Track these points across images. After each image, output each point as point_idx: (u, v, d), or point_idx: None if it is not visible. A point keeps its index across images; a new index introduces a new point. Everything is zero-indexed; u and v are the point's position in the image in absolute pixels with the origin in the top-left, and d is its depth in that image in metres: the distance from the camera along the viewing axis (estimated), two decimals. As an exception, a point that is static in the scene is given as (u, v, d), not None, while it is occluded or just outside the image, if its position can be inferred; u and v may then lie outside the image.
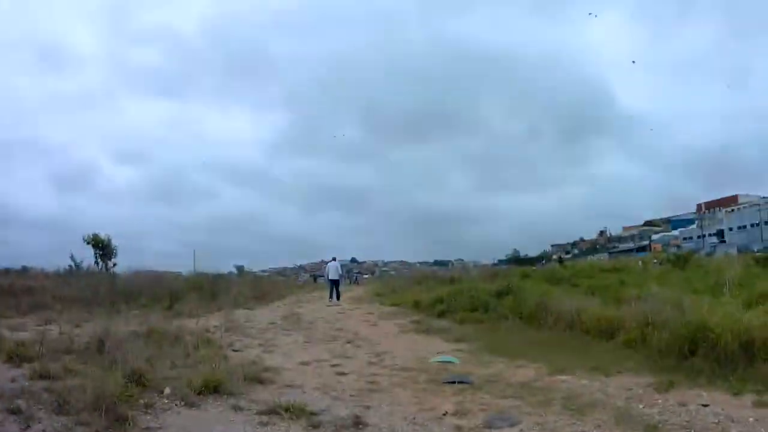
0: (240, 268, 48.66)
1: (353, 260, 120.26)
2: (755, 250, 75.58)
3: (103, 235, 29.71)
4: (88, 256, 28.63)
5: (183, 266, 42.10)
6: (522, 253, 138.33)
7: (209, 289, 24.55)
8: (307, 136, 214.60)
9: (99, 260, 29.28)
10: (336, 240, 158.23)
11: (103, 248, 29.35)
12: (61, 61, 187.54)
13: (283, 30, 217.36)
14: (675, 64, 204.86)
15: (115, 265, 29.37)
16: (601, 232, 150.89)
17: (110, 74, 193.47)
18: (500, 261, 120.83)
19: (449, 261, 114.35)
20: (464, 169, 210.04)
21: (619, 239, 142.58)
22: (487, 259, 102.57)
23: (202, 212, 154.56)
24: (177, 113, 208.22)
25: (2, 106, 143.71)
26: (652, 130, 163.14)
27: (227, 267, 44.21)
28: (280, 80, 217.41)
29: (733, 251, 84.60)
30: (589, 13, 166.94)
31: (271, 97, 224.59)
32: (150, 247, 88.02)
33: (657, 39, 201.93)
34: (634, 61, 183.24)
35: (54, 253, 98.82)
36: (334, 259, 27.87)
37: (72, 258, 28.35)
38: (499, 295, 18.53)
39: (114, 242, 29.66)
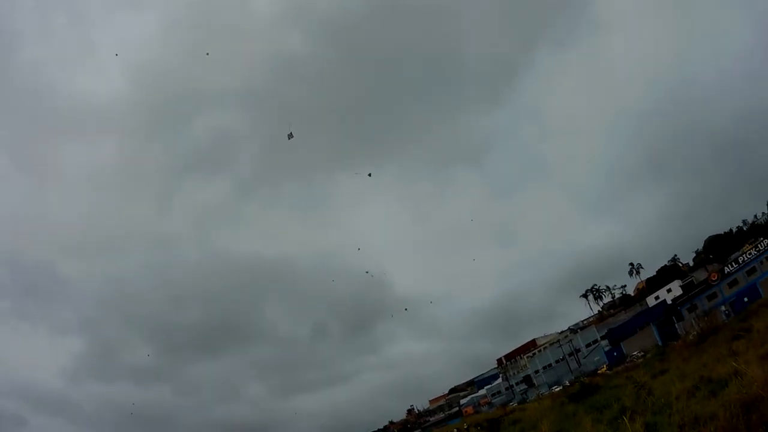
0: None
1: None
2: (567, 383, 73.94)
3: None
4: None
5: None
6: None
7: None
8: (103, 360, 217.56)
9: None
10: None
11: None
12: None
13: (69, 252, 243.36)
14: (442, 237, 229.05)
15: None
16: (409, 410, 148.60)
17: None
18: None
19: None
20: (261, 377, 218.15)
21: (429, 412, 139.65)
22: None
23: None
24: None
25: None
26: (431, 302, 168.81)
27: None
28: (71, 303, 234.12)
29: (544, 391, 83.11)
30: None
31: (65, 320, 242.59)
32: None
33: (420, 219, 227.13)
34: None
35: None
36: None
37: None
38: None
39: None
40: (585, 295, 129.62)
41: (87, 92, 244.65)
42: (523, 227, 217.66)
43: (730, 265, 71.50)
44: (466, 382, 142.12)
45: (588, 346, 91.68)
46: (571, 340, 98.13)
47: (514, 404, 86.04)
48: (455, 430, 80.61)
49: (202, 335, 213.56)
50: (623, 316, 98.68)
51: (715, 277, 71.69)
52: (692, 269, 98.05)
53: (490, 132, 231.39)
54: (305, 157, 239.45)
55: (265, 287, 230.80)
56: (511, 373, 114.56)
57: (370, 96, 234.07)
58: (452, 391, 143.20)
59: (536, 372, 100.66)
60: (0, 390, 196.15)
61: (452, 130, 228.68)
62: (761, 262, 66.79)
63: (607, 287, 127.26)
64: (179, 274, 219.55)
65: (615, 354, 79.62)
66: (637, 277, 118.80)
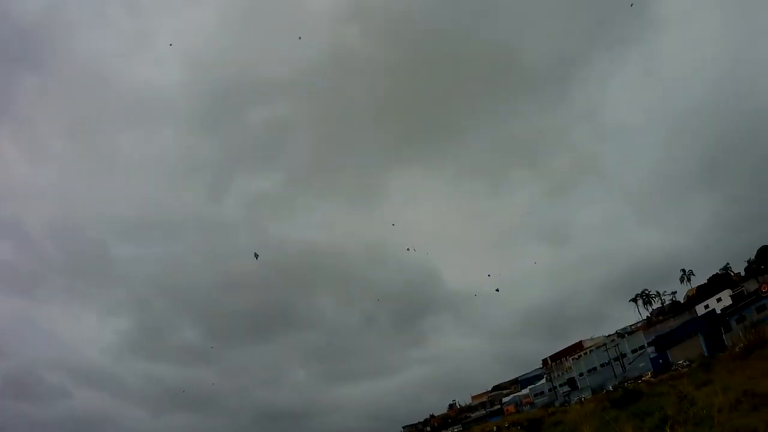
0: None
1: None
2: (611, 387, 74.71)
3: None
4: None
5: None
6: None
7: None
8: (151, 340, 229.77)
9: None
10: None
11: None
12: None
13: (123, 234, 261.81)
14: (493, 235, 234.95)
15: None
16: (451, 405, 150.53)
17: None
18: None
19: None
20: (306, 364, 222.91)
21: (470, 408, 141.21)
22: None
23: (59, 411, 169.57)
24: (28, 311, 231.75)
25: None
26: (476, 296, 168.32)
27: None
28: (122, 283, 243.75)
29: (588, 395, 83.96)
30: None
31: (114, 300, 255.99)
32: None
33: (472, 217, 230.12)
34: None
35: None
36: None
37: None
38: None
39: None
40: (635, 300, 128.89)
41: (145, 82, 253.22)
42: (575, 228, 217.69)
43: (782, 277, 70.86)
44: (510, 381, 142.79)
45: (634, 351, 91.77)
46: (617, 345, 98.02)
47: (556, 405, 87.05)
48: (495, 427, 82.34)
49: (250, 320, 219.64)
50: (672, 323, 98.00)
51: (765, 288, 71.25)
52: (743, 279, 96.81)
53: (545, 131, 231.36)
54: (361, 151, 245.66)
55: (316, 276, 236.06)
56: (556, 375, 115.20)
57: (427, 92, 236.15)
58: (495, 388, 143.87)
59: (581, 375, 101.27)
60: (49, 364, 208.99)
61: (507, 129, 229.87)
62: (815, 277, 66.19)
63: (658, 293, 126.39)
64: (230, 260, 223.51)
65: (660, 361, 79.75)
66: (688, 283, 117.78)
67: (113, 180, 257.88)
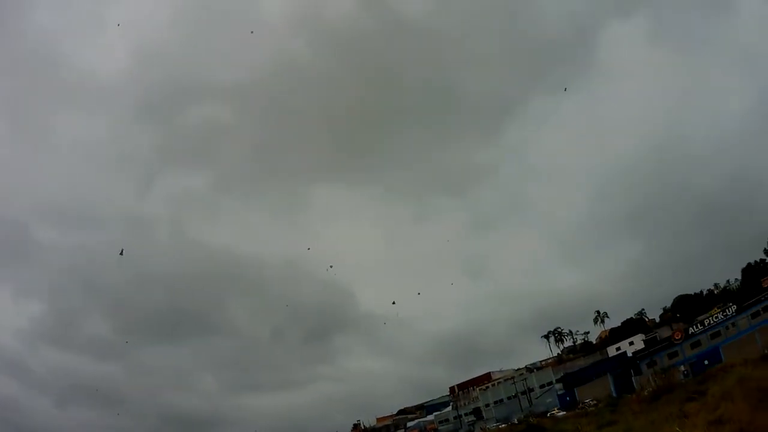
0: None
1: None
2: (516, 420, 72.90)
3: None
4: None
5: None
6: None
7: None
8: (60, 329, 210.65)
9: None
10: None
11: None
12: None
13: (45, 217, 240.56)
14: (413, 262, 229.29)
15: None
16: (355, 425, 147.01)
17: None
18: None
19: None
20: (214, 371, 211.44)
21: (374, 430, 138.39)
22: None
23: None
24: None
25: None
26: (385, 323, 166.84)
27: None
28: (39, 268, 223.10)
29: (493, 425, 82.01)
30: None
31: (29, 283, 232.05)
32: None
33: (394, 242, 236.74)
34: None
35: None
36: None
37: None
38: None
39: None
40: (547, 336, 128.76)
41: (89, 66, 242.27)
42: (495, 262, 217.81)
43: (695, 326, 70.88)
44: (416, 405, 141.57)
45: (542, 387, 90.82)
46: (525, 379, 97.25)
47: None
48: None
49: (162, 320, 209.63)
50: (581, 362, 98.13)
51: (678, 336, 71.11)
52: (657, 325, 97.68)
53: (476, 166, 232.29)
54: (291, 162, 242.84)
55: (231, 283, 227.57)
56: (462, 403, 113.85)
57: (364, 113, 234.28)
58: (401, 412, 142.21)
59: (487, 405, 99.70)
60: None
61: (439, 158, 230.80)
62: (726, 327, 66.31)
63: (570, 332, 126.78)
64: (149, 257, 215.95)
65: (567, 398, 78.79)
66: (602, 325, 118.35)
67: (42, 160, 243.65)
